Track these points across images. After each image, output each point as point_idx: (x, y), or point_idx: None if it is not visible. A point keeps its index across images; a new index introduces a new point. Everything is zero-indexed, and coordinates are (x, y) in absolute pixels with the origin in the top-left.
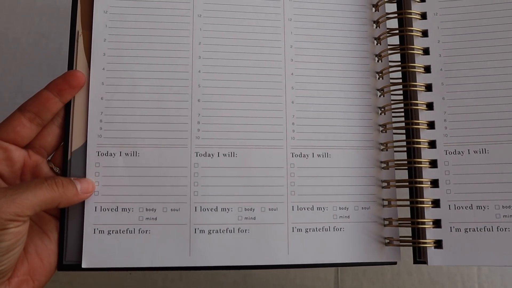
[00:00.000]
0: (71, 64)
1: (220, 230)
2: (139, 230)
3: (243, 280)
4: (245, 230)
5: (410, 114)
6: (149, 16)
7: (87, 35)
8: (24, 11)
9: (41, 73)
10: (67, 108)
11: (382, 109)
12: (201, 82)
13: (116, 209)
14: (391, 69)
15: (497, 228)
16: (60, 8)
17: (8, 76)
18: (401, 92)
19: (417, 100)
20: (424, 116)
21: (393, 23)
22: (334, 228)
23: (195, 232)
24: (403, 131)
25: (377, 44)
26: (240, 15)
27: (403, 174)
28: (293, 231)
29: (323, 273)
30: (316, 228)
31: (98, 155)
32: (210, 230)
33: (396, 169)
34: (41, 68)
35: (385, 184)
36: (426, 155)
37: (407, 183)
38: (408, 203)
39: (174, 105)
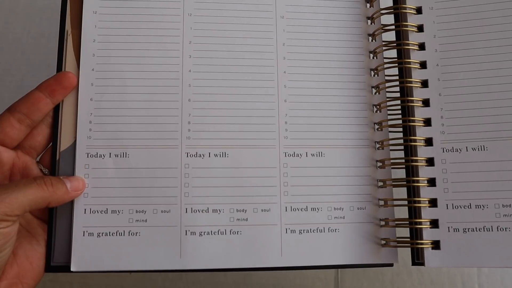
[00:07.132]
0: (60, 64)
1: (211, 231)
2: (129, 232)
3: (243, 280)
4: (237, 231)
5: (406, 111)
6: (139, 15)
7: (76, 35)
8: (24, 11)
9: (41, 73)
10: (56, 107)
11: (378, 107)
12: (192, 81)
13: (105, 211)
14: (386, 66)
15: (497, 228)
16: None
17: (8, 76)
18: (396, 89)
19: (413, 96)
20: (420, 113)
21: (388, 19)
22: (329, 229)
23: (186, 234)
24: (399, 128)
25: (371, 40)
26: (231, 13)
27: (398, 173)
28: (286, 232)
29: (323, 273)
30: (310, 229)
31: (88, 156)
32: (201, 232)
33: (392, 168)
34: (41, 68)
35: (381, 183)
36: (423, 153)
37: (404, 182)
38: (404, 202)
39: (164, 105)
